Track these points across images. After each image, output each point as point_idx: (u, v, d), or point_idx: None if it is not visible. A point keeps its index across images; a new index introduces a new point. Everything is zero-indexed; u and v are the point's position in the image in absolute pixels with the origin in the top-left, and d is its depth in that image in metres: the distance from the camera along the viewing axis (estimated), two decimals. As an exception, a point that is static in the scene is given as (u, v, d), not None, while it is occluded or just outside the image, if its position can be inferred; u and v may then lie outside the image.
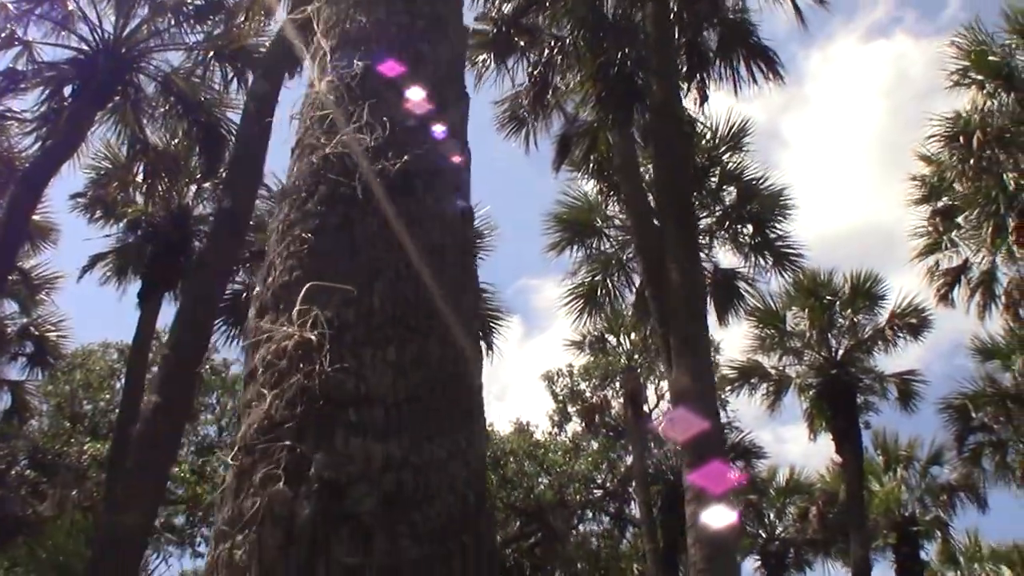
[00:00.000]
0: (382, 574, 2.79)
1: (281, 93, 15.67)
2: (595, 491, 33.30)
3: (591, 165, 23.55)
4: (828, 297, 27.18)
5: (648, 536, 27.13)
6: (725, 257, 24.79)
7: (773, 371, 28.22)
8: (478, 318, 3.40)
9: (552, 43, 18.61)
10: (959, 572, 33.43)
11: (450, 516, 2.87)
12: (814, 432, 28.40)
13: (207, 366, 29.80)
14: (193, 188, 24.32)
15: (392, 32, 4.03)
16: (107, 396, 31.32)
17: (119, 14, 19.78)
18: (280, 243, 3.46)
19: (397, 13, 4.09)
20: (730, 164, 23.27)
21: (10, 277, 20.77)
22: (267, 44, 19.68)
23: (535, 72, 18.49)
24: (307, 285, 3.07)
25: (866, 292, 27.13)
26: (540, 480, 32.43)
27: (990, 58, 21.00)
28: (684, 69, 17.65)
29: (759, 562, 32.33)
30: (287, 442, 2.85)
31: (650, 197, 21.18)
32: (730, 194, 24.42)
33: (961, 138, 21.69)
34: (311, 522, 2.82)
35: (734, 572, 14.25)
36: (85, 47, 19.58)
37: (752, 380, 28.18)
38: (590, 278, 25.43)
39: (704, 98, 18.03)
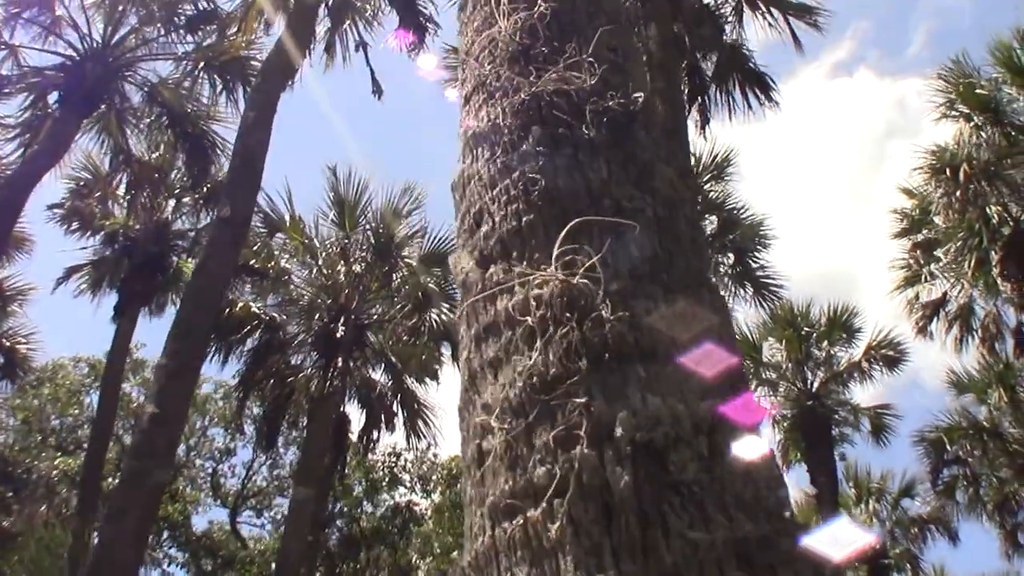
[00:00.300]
0: (729, 553, 2.46)
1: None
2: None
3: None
4: (805, 329, 27.16)
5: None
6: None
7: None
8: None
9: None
10: (928, 604, 33.39)
11: (769, 485, 2.58)
12: (788, 463, 28.32)
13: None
14: (172, 203, 24.02)
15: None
16: (75, 411, 30.74)
17: (108, 21, 19.47)
18: (489, 189, 3.20)
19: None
20: (712, 193, 23.24)
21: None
22: (259, 56, 19.56)
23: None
24: (570, 224, 2.80)
25: (843, 325, 27.14)
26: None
27: (977, 91, 21.10)
28: (686, 92, 17.60)
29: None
30: (579, 399, 2.53)
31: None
32: (712, 223, 24.50)
33: (947, 171, 21.73)
34: (633, 491, 2.58)
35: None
36: (72, 53, 19.23)
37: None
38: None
39: (706, 121, 18.01)
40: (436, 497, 31.80)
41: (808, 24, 19.06)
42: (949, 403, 27.82)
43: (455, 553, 29.76)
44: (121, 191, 23.21)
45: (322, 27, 19.22)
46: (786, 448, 28.03)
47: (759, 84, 18.89)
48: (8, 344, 24.76)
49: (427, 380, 21.19)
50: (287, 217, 20.59)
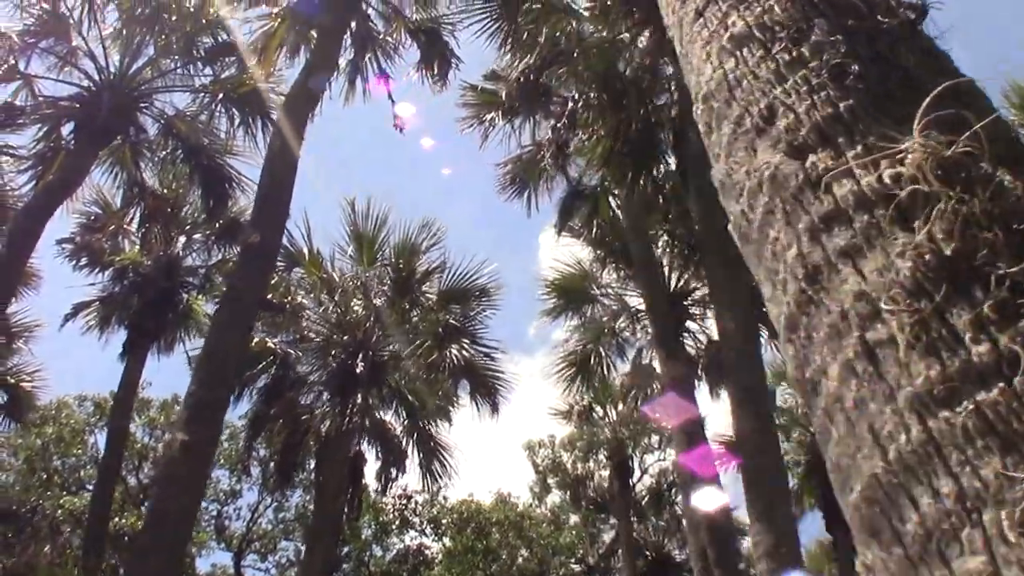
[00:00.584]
0: None
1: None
2: (573, 565, 32.54)
3: (593, 230, 23.38)
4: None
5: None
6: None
7: (761, 446, 27.81)
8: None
9: (571, 100, 18.33)
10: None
11: None
12: (802, 509, 28.03)
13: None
14: (183, 239, 23.74)
15: None
16: (78, 451, 30.22)
17: (125, 52, 19.25)
18: (776, 84, 2.92)
19: None
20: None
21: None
22: (279, 88, 19.42)
23: (557, 125, 18.20)
24: (929, 97, 2.49)
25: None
26: (521, 552, 31.66)
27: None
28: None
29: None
30: (1004, 269, 2.19)
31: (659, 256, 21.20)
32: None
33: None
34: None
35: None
36: (88, 83, 18.99)
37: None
38: (582, 346, 25.14)
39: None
40: (447, 541, 31.32)
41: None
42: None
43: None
44: (134, 225, 22.92)
45: (343, 59, 19.06)
46: (800, 494, 27.73)
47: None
48: (12, 382, 24.29)
49: (442, 420, 20.85)
50: (305, 251, 20.27)
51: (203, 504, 31.94)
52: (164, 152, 20.74)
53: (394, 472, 20.15)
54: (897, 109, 2.58)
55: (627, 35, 17.85)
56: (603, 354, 25.08)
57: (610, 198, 22.75)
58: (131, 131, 19.88)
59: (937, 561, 2.11)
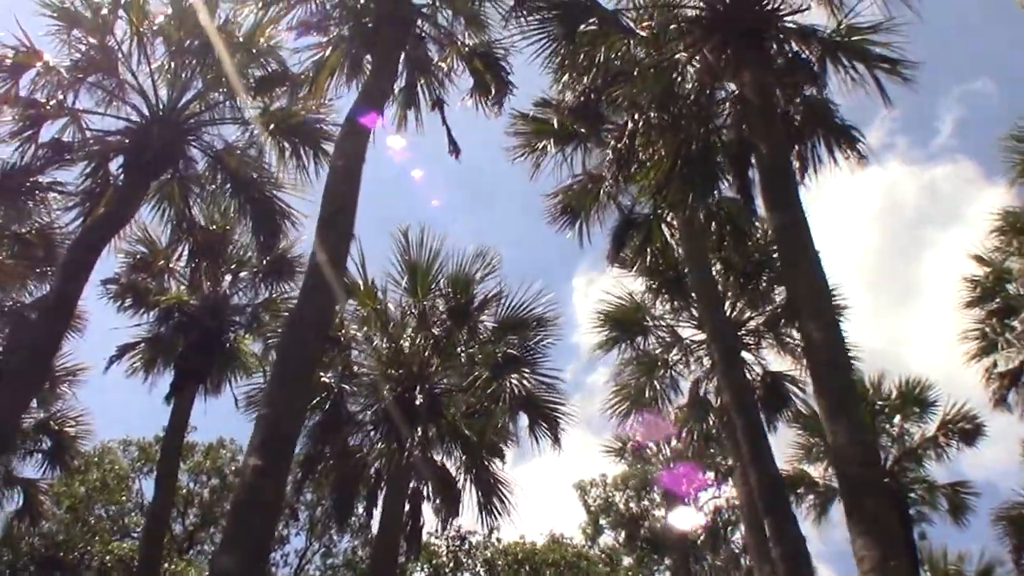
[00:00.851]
0: None
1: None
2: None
3: (647, 259, 22.85)
4: (878, 403, 26.21)
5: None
6: (773, 359, 24.18)
7: (820, 480, 27.13)
8: None
9: (631, 120, 17.84)
10: None
11: None
12: (861, 544, 27.18)
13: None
14: (228, 277, 23.35)
15: None
16: (123, 498, 29.61)
17: (173, 85, 18.95)
18: None
19: None
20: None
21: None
22: (331, 118, 19.12)
23: (618, 146, 17.71)
24: None
25: (915, 398, 26.20)
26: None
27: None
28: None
29: None
30: None
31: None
32: (780, 294, 23.76)
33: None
34: None
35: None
36: (136, 118, 18.67)
37: (799, 490, 27.03)
38: (635, 379, 24.56)
39: (804, 169, 17.22)
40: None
41: (892, 75, 18.31)
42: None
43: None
44: (180, 263, 22.57)
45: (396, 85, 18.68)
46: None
47: (846, 139, 18.11)
48: (57, 427, 23.87)
49: (496, 456, 20.18)
50: (360, 282, 19.73)
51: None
52: (212, 186, 20.34)
53: (454, 510, 19.47)
54: None
55: (683, 55, 17.42)
56: (657, 388, 24.48)
57: (663, 226, 22.30)
58: (180, 165, 19.56)
59: None
